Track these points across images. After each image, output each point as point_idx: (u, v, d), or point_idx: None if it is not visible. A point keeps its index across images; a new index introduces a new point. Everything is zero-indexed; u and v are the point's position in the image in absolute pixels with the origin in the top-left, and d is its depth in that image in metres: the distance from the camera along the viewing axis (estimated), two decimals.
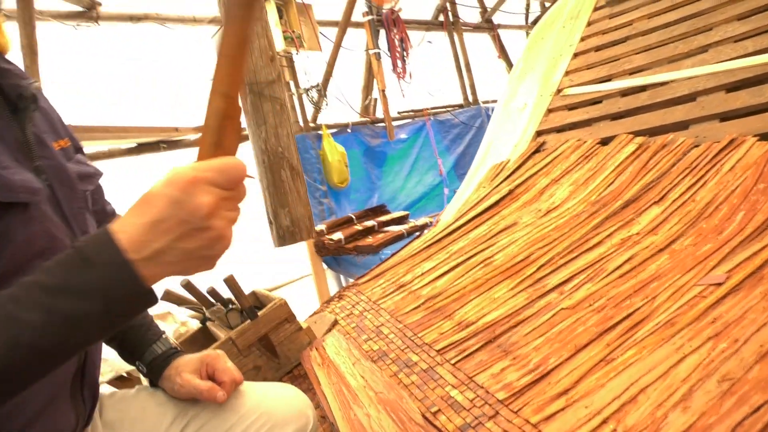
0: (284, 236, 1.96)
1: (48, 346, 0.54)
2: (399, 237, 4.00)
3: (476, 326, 1.40)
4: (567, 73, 2.69)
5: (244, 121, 1.98)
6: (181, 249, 0.55)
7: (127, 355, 1.01)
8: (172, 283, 1.67)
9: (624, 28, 2.64)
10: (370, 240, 4.03)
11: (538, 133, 2.50)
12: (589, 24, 2.90)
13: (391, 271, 2.02)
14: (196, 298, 1.63)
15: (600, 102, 2.36)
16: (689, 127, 1.86)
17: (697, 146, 1.73)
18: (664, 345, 1.06)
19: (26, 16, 3.08)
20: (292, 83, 4.72)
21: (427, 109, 5.96)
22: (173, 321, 3.56)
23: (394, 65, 5.35)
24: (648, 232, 1.50)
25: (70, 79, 3.65)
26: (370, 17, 5.15)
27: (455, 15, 6.32)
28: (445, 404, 1.17)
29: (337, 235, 4.01)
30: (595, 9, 2.97)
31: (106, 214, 0.98)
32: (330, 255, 4.17)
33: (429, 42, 5.97)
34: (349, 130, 5.25)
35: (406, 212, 4.68)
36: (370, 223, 4.25)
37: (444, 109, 6.15)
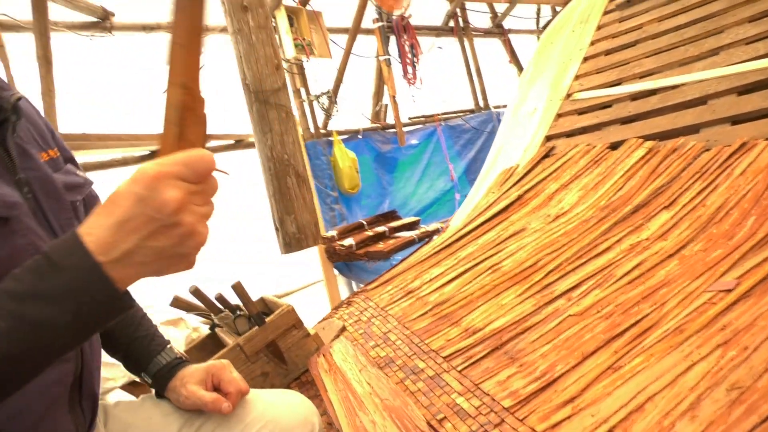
0: (290, 243, 1.96)
1: (18, 353, 0.52)
2: (410, 243, 3.99)
3: (483, 333, 1.39)
4: (577, 77, 2.68)
5: (247, 123, 1.99)
6: (151, 248, 0.53)
7: (132, 366, 1.01)
8: (180, 289, 1.68)
9: (634, 31, 2.62)
10: (381, 246, 4.02)
11: (548, 138, 2.49)
12: (599, 28, 2.88)
13: (400, 277, 2.01)
14: (204, 304, 1.64)
15: (610, 106, 2.35)
16: (700, 131, 1.84)
17: (707, 150, 1.71)
18: (672, 352, 1.04)
19: (41, 27, 3.14)
20: (302, 90, 4.75)
21: (438, 114, 5.96)
22: (185, 327, 3.59)
23: (405, 71, 5.36)
24: (657, 237, 1.48)
25: (84, 89, 3.71)
26: (380, 24, 5.16)
27: (465, 20, 6.32)
28: (451, 411, 1.16)
29: (348, 241, 4.01)
30: (605, 12, 2.95)
31: None
32: (341, 261, 4.18)
33: (439, 48, 5.98)
34: (359, 136, 5.26)
35: (417, 218, 4.66)
36: (381, 228, 4.24)
37: (455, 115, 6.14)
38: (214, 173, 0.56)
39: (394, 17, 5.21)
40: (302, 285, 5.12)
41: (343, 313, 1.92)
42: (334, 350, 1.60)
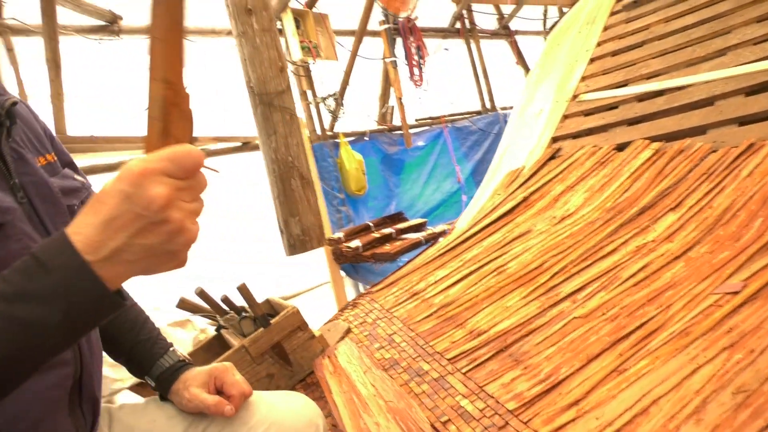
0: (295, 245, 1.97)
1: (9, 354, 0.52)
2: (417, 244, 3.99)
3: (488, 335, 1.39)
4: (583, 78, 2.67)
5: (254, 125, 1.98)
6: (140, 245, 0.52)
7: (135, 369, 1.01)
8: (187, 291, 1.69)
9: (641, 32, 2.61)
10: (387, 247, 4.02)
11: (554, 140, 2.48)
12: (605, 29, 2.87)
13: (405, 279, 2.01)
14: (210, 306, 1.65)
15: (616, 107, 2.34)
16: (707, 132, 1.83)
17: (714, 151, 1.70)
18: (677, 355, 1.04)
19: (50, 30, 3.17)
20: (309, 92, 4.76)
21: (445, 116, 5.95)
22: (193, 328, 3.60)
23: (411, 73, 5.37)
24: (664, 239, 1.48)
25: (93, 92, 3.73)
26: (386, 26, 5.17)
27: (472, 22, 6.32)
28: (455, 414, 1.16)
29: (355, 243, 4.02)
30: (612, 13, 2.94)
31: None
32: (348, 262, 4.18)
33: (446, 49, 5.98)
34: (366, 138, 5.27)
35: (423, 220, 4.67)
36: (387, 230, 4.25)
37: (461, 116, 6.13)
38: (204, 170, 0.55)
39: (400, 19, 5.22)
40: (309, 287, 5.13)
41: (348, 315, 1.92)
42: (339, 352, 1.60)
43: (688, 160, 1.73)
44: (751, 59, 1.90)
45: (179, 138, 0.56)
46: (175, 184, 0.52)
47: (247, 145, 4.41)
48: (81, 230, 0.52)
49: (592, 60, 2.74)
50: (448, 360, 1.36)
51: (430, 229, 4.30)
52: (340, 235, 4.16)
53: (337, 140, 4.91)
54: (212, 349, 1.73)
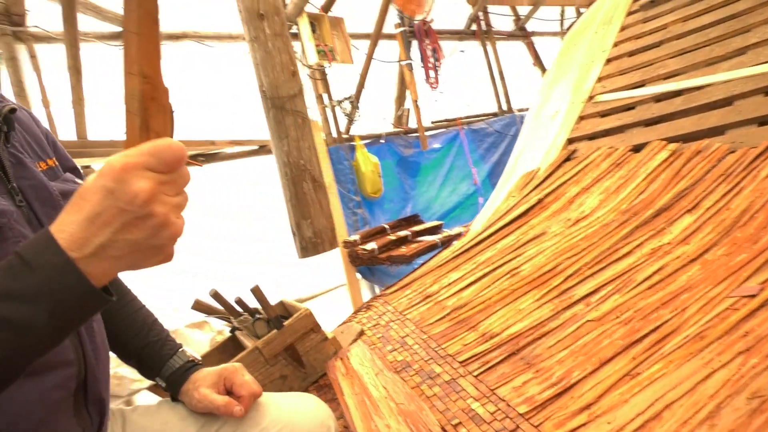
0: (307, 247, 1.98)
1: None
2: (432, 247, 3.98)
3: (500, 338, 1.38)
4: (599, 79, 2.64)
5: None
6: (124, 240, 0.52)
7: (146, 371, 1.03)
8: (202, 293, 1.71)
9: (658, 32, 2.58)
10: (403, 250, 4.01)
11: (570, 141, 2.46)
12: (622, 29, 2.84)
13: (419, 281, 2.01)
14: (224, 307, 1.67)
15: (633, 108, 2.31)
16: (725, 133, 1.80)
17: (732, 152, 1.67)
18: (692, 359, 1.02)
19: (71, 37, 3.24)
20: (325, 96, 4.79)
21: (461, 118, 5.94)
22: (210, 330, 3.64)
23: (427, 75, 5.37)
24: (680, 241, 1.45)
25: (113, 98, 3.80)
26: (402, 29, 5.18)
27: (488, 24, 6.30)
28: (466, 417, 1.16)
29: (371, 245, 4.02)
30: (629, 13, 2.91)
31: None
32: (364, 265, 4.18)
33: (461, 51, 5.97)
34: (382, 141, 5.28)
35: (440, 222, 4.65)
36: (403, 233, 4.24)
37: (478, 118, 6.11)
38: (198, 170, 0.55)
39: (416, 22, 5.23)
40: (325, 289, 5.15)
41: (362, 317, 1.93)
42: (351, 354, 1.60)
43: (705, 161, 1.70)
44: None
45: (159, 132, 0.56)
46: (157, 178, 0.52)
47: (263, 149, 4.45)
48: (65, 227, 0.52)
49: (608, 60, 2.71)
50: (460, 363, 1.35)
51: (446, 232, 4.28)
52: (356, 237, 4.16)
53: (352, 143, 4.93)
54: (227, 350, 1.75)
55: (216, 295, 1.63)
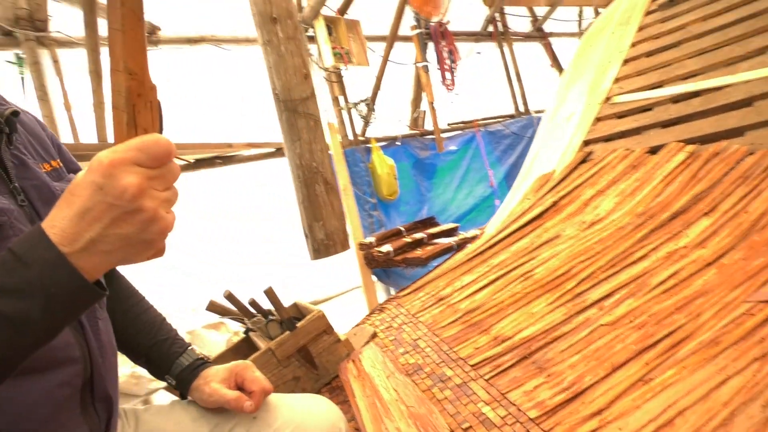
0: (319, 249, 1.99)
1: None
2: (448, 249, 3.96)
3: (512, 341, 1.37)
4: (616, 80, 2.61)
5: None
6: (115, 235, 0.53)
7: (155, 370, 1.04)
8: (215, 294, 1.73)
9: (677, 31, 2.54)
10: (419, 252, 4.00)
11: (586, 143, 2.44)
12: (640, 29, 2.80)
13: (432, 284, 2.01)
14: (238, 309, 1.69)
15: (650, 109, 2.27)
16: (744, 134, 1.76)
17: (751, 154, 1.64)
18: (706, 365, 1.00)
19: (92, 42, 3.30)
20: (341, 98, 4.81)
21: (477, 120, 5.92)
22: (226, 331, 3.68)
23: (443, 77, 5.36)
24: (696, 245, 1.43)
25: None
26: (418, 31, 5.18)
27: (505, 25, 6.27)
28: (477, 421, 1.15)
29: (386, 248, 4.01)
30: (647, 13, 2.87)
31: None
32: (379, 267, 4.18)
33: (478, 53, 5.94)
34: (398, 143, 5.28)
35: (455, 224, 4.63)
36: (419, 235, 4.23)
37: (494, 120, 6.08)
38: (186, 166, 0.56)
39: (432, 24, 5.22)
40: (341, 291, 5.17)
41: (375, 320, 1.93)
42: (363, 356, 1.61)
43: (723, 163, 1.67)
44: None
45: (147, 128, 0.57)
46: (146, 173, 0.53)
47: (279, 151, 4.48)
48: (56, 223, 0.53)
49: (625, 61, 2.67)
50: (472, 366, 1.35)
51: (462, 234, 4.26)
52: (371, 239, 4.17)
53: (368, 145, 4.95)
54: (240, 351, 1.77)
55: (230, 297, 1.65)
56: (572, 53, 3.37)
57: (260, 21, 1.81)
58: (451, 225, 4.56)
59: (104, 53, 3.50)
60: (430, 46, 5.34)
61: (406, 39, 5.29)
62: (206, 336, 3.39)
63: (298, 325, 1.62)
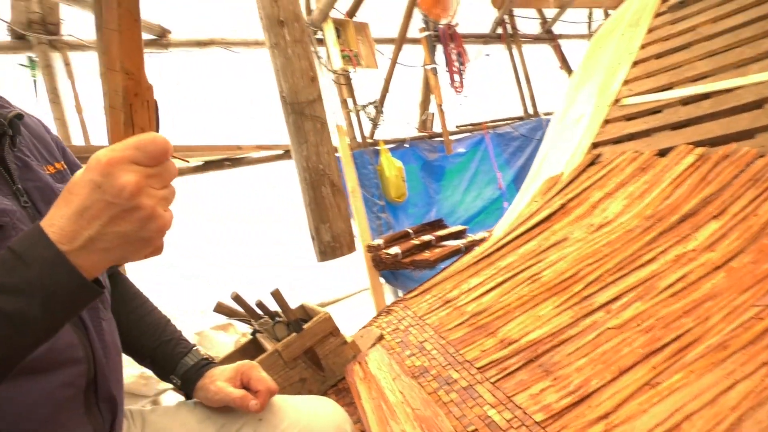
0: (326, 251, 2.00)
1: None
2: (456, 251, 3.96)
3: (519, 344, 1.37)
4: (626, 82, 2.60)
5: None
6: (113, 233, 0.53)
7: (160, 371, 1.04)
8: (223, 296, 1.74)
9: (687, 33, 2.52)
10: (427, 254, 4.00)
11: (594, 145, 2.43)
12: (649, 31, 2.78)
13: (439, 286, 2.01)
14: (245, 310, 1.69)
15: (660, 111, 2.26)
16: (755, 136, 1.75)
17: (762, 156, 1.62)
18: (714, 369, 0.99)
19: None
20: (349, 100, 4.82)
21: (486, 122, 5.90)
22: (234, 332, 3.69)
23: (452, 79, 5.35)
24: (705, 248, 1.42)
25: None
26: (426, 33, 5.18)
27: (514, 27, 6.25)
28: (482, 424, 1.15)
29: (394, 250, 4.02)
30: (657, 15, 2.85)
31: None
32: (387, 269, 4.18)
33: (487, 55, 5.93)
34: (406, 145, 5.28)
35: (464, 227, 4.62)
36: (427, 237, 4.23)
37: (503, 122, 6.06)
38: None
39: (440, 26, 5.22)
40: (349, 293, 5.17)
41: (382, 322, 1.93)
42: (369, 358, 1.61)
43: (733, 166, 1.66)
44: None
45: (143, 127, 0.58)
46: (143, 172, 0.53)
47: (288, 153, 4.50)
48: (55, 221, 0.54)
49: (635, 63, 2.66)
50: (478, 369, 1.34)
51: (471, 236, 4.26)
52: (379, 241, 4.17)
53: (377, 147, 4.95)
54: (248, 352, 1.77)
55: (237, 298, 1.66)
56: (582, 55, 3.36)
57: (267, 24, 1.82)
58: (460, 227, 4.55)
59: None
60: (439, 48, 5.33)
61: (415, 41, 5.29)
62: (215, 337, 3.40)
63: (305, 326, 1.63)
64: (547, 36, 6.56)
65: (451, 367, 1.41)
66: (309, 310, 1.81)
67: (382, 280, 4.27)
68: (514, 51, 6.25)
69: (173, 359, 1.02)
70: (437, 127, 5.46)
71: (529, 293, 1.60)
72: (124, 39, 0.55)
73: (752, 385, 0.92)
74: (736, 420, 0.86)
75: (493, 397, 1.21)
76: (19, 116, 0.82)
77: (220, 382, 0.97)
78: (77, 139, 3.58)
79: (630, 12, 3.03)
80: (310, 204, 1.91)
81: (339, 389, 1.66)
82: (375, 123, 4.99)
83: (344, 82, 4.72)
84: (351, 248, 1.99)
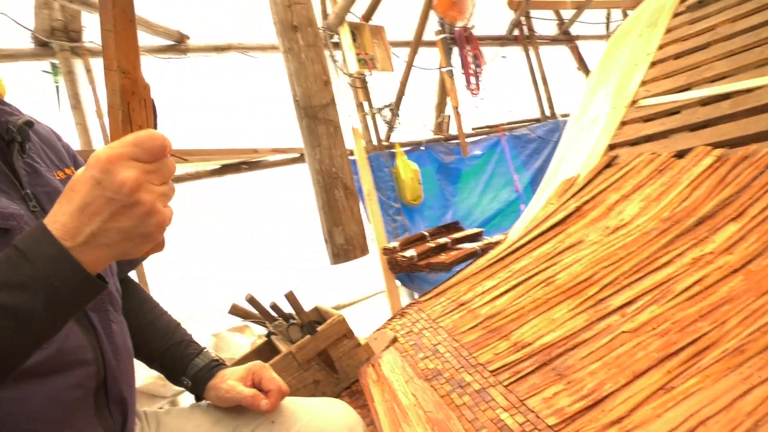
0: (339, 254, 2.01)
1: None
2: (472, 254, 3.94)
3: (532, 348, 1.36)
4: (643, 83, 2.57)
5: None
6: (114, 229, 0.54)
7: (170, 374, 1.05)
8: (239, 298, 1.76)
9: (706, 33, 2.49)
10: (443, 257, 4.00)
11: (611, 147, 2.40)
12: (667, 31, 2.75)
13: (453, 289, 2.00)
14: (260, 312, 1.71)
15: (678, 112, 2.23)
16: None
17: None
18: (729, 374, 0.98)
19: None
20: (365, 103, 4.83)
21: (503, 124, 5.87)
22: (251, 334, 3.72)
23: (468, 82, 5.33)
24: (723, 251, 1.40)
25: (162, 109, 3.94)
26: (442, 35, 5.18)
27: (531, 29, 6.21)
28: (495, 427, 1.14)
29: (410, 252, 4.02)
30: (675, 15, 2.82)
31: None
32: (403, 272, 4.19)
33: (503, 57, 5.90)
34: (422, 148, 5.28)
35: (480, 229, 4.60)
36: (443, 240, 4.22)
37: (520, 124, 6.02)
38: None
39: (456, 28, 5.21)
40: (365, 295, 5.17)
41: (396, 324, 1.93)
42: (383, 361, 1.61)
43: (752, 168, 1.63)
44: None
45: (141, 124, 0.59)
46: (142, 168, 0.55)
47: (303, 156, 4.53)
48: (57, 218, 0.55)
49: (653, 63, 2.63)
50: (491, 372, 1.34)
51: (487, 239, 4.24)
52: (395, 244, 4.17)
53: (393, 150, 4.95)
54: (263, 354, 1.79)
55: (252, 300, 1.68)
56: (599, 56, 3.33)
57: (281, 29, 1.84)
58: (476, 230, 4.53)
59: None
60: (455, 50, 5.32)
61: (431, 44, 5.29)
62: (231, 339, 3.43)
63: (319, 329, 1.64)
64: (565, 37, 6.51)
65: (464, 370, 1.41)
66: (323, 313, 1.82)
67: (397, 282, 4.26)
68: (531, 53, 6.21)
69: (183, 361, 1.03)
70: (453, 130, 5.44)
71: (543, 296, 1.59)
72: (120, 39, 0.57)
73: None
74: (752, 425, 0.85)
75: (506, 401, 1.21)
76: (29, 123, 0.84)
77: (231, 381, 0.98)
78: (98, 144, 3.65)
79: (648, 12, 3.00)
80: (323, 207, 1.92)
81: (353, 391, 1.67)
82: (391, 126, 4.99)
83: (360, 85, 4.74)
84: (364, 251, 2.00)
